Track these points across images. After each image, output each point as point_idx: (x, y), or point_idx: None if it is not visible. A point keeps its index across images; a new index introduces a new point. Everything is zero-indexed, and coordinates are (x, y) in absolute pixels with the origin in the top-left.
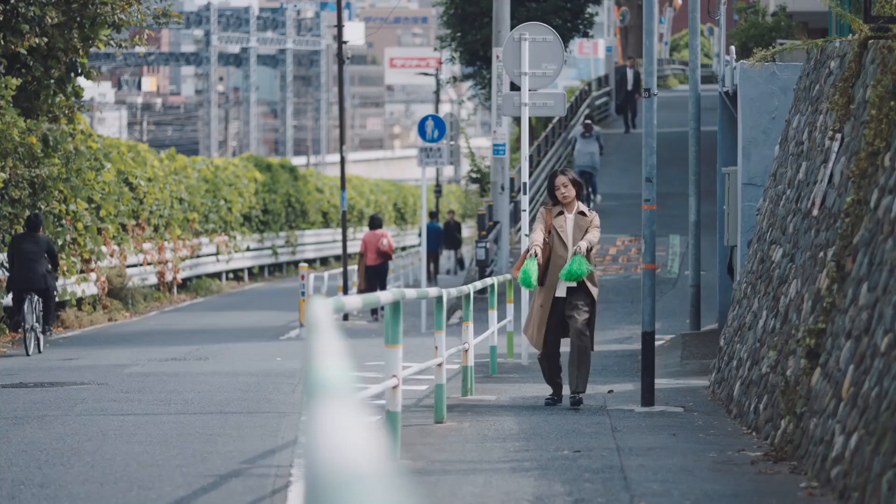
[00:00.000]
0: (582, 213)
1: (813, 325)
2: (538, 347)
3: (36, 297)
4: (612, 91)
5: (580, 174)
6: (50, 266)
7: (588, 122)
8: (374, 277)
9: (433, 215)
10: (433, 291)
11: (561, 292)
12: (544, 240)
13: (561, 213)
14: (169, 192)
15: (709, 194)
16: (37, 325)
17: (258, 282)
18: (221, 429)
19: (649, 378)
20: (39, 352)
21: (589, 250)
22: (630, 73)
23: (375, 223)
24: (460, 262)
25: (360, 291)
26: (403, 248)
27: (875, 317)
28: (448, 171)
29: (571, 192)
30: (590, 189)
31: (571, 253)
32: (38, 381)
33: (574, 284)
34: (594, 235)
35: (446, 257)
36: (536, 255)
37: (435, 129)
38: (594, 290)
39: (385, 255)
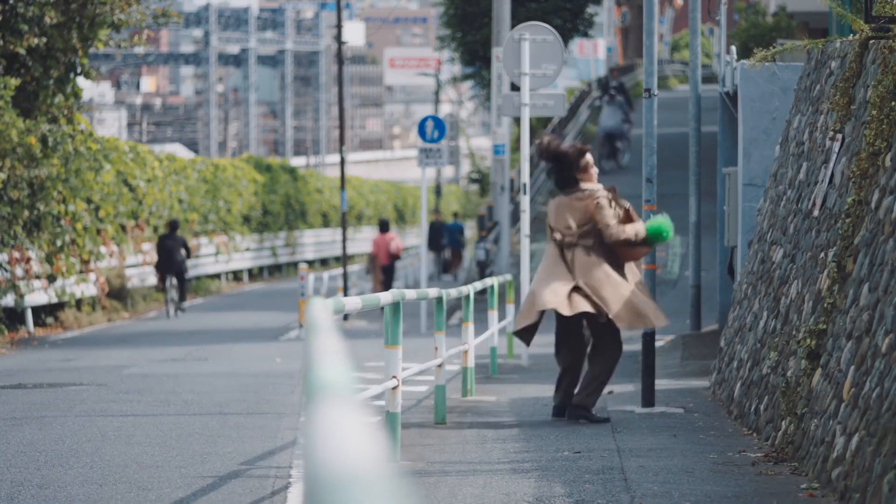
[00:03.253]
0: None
1: (814, 325)
2: (527, 317)
3: (174, 279)
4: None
5: (604, 136)
6: (185, 255)
7: (613, 91)
8: (386, 276)
9: (455, 215)
10: (433, 292)
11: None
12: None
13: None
14: (168, 193)
15: (709, 195)
16: (174, 297)
17: (258, 282)
18: (221, 430)
19: (650, 379)
20: (177, 316)
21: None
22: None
23: (384, 226)
24: (445, 265)
25: (376, 290)
26: (406, 249)
27: (876, 317)
28: (448, 171)
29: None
30: (614, 150)
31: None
32: (37, 382)
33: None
34: (605, 216)
35: (431, 260)
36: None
37: (435, 130)
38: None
39: (394, 257)
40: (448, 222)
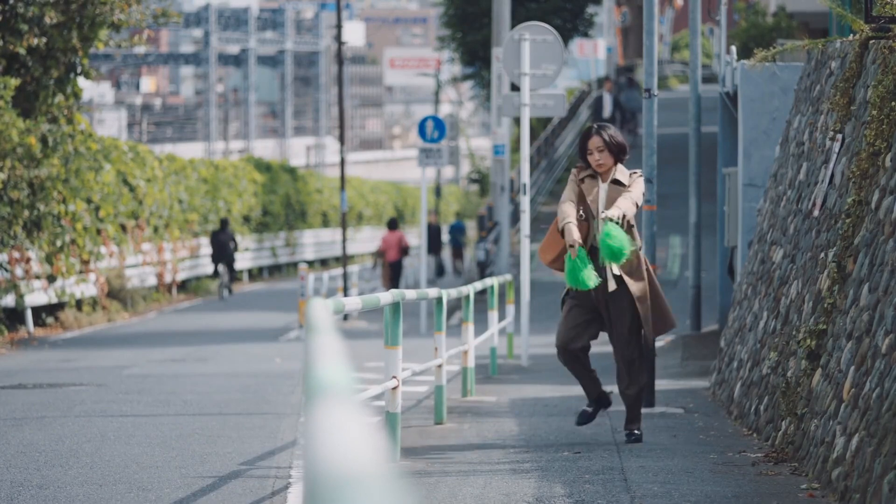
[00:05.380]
0: (618, 182)
1: (814, 326)
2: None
3: (224, 267)
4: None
5: (618, 108)
6: (234, 247)
7: (630, 76)
8: (394, 272)
9: (458, 215)
10: (433, 292)
11: (612, 285)
12: (578, 214)
13: (593, 177)
14: (168, 193)
15: (709, 195)
16: (226, 282)
17: (258, 282)
18: (221, 430)
19: (650, 379)
20: (226, 298)
21: (623, 219)
22: (608, 98)
23: (393, 224)
24: (440, 269)
25: (385, 286)
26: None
27: (876, 318)
28: (448, 171)
29: (607, 159)
30: (632, 125)
31: (600, 224)
32: (37, 383)
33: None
34: (628, 203)
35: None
36: (578, 246)
37: (435, 130)
38: (637, 285)
39: (404, 251)
40: (440, 223)
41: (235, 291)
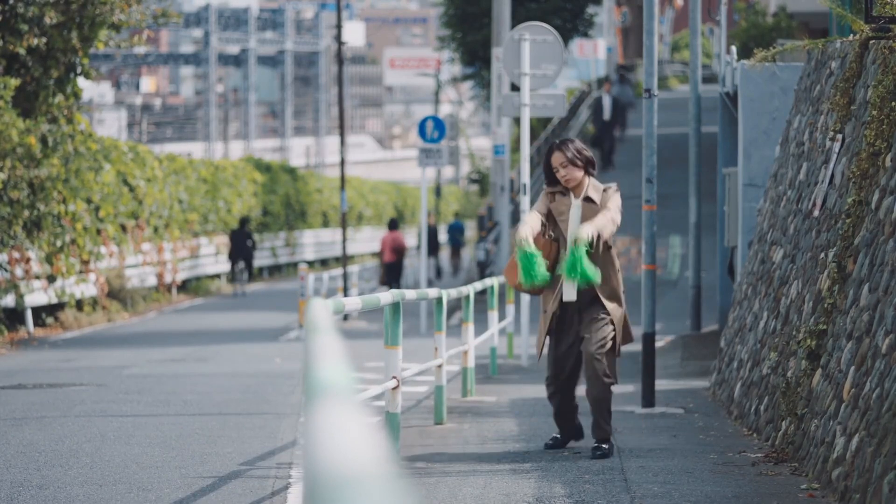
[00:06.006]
0: (590, 200)
1: (814, 326)
2: (539, 356)
3: (243, 264)
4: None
5: (613, 104)
6: (251, 245)
7: (623, 73)
8: (389, 273)
9: (457, 215)
10: (433, 292)
11: (570, 295)
12: (542, 224)
13: (563, 193)
14: (168, 193)
15: (709, 195)
16: (244, 279)
17: (258, 282)
18: (221, 430)
19: (650, 379)
20: (243, 296)
21: (598, 240)
22: (607, 100)
23: (393, 224)
24: (437, 272)
25: (381, 284)
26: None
27: (876, 318)
28: (448, 171)
29: (575, 173)
30: (624, 119)
31: (570, 243)
32: (37, 383)
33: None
34: (603, 220)
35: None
36: (525, 241)
37: (435, 130)
38: (610, 305)
39: (399, 252)
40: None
41: (239, 291)
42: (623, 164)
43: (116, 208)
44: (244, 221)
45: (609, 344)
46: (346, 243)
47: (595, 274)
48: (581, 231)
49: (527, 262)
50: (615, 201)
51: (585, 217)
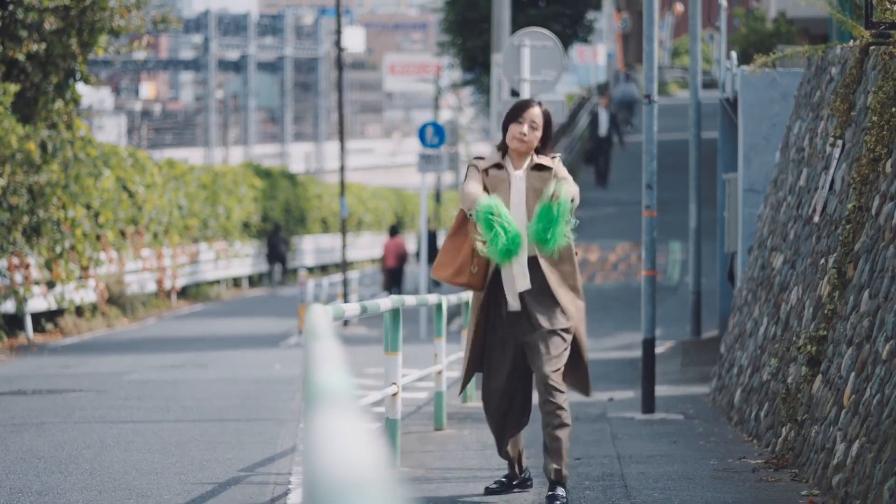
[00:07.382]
0: (541, 168)
1: (814, 332)
2: (464, 387)
3: (279, 264)
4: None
5: (620, 103)
6: (285, 248)
7: (629, 71)
8: (391, 278)
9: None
10: (433, 298)
11: (514, 304)
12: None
13: (498, 167)
14: (168, 199)
15: (709, 200)
16: (279, 279)
17: (257, 288)
18: (220, 436)
19: (650, 385)
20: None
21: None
22: (604, 115)
23: (394, 231)
24: (435, 281)
25: (385, 289)
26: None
27: (876, 324)
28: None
29: (535, 139)
30: (630, 115)
31: (543, 200)
32: (37, 389)
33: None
34: (574, 188)
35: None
36: (481, 197)
37: (435, 136)
38: (570, 309)
39: (401, 259)
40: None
41: (235, 297)
42: (623, 170)
43: (116, 214)
44: (278, 226)
45: (565, 360)
46: (345, 249)
47: (565, 235)
48: (559, 188)
49: (491, 222)
50: (567, 173)
51: (533, 188)
